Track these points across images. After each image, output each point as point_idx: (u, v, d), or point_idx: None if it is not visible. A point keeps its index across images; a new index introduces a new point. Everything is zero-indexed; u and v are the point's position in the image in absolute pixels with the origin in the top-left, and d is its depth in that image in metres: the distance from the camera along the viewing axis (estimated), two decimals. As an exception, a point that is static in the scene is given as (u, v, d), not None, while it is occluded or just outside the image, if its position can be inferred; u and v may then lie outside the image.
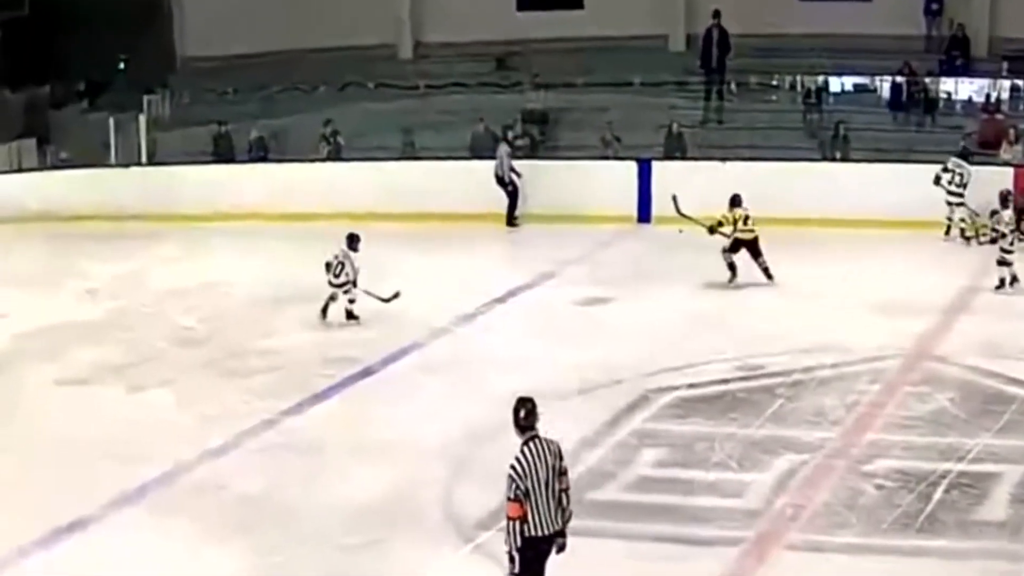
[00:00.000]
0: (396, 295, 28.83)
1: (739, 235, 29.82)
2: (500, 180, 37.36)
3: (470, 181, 36.30)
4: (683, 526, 19.22)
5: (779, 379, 24.55)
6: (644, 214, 34.38)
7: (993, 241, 30.23)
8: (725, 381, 24.65)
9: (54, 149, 43.46)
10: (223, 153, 40.58)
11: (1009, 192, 30.56)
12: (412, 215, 35.55)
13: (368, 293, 29.24)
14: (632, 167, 34.93)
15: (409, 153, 38.38)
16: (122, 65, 45.60)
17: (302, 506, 20.66)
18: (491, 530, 18.96)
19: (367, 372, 26.50)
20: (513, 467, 15.71)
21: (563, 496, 15.94)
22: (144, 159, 40.53)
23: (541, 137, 38.68)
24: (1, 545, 19.57)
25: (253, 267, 33.13)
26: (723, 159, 35.24)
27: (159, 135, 40.99)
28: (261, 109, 41.67)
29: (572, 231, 33.47)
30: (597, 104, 38.19)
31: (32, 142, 43.85)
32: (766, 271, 30.32)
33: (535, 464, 15.81)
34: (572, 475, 18.29)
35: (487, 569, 18.27)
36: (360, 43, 42.00)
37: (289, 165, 39.16)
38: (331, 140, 39.38)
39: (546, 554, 16.23)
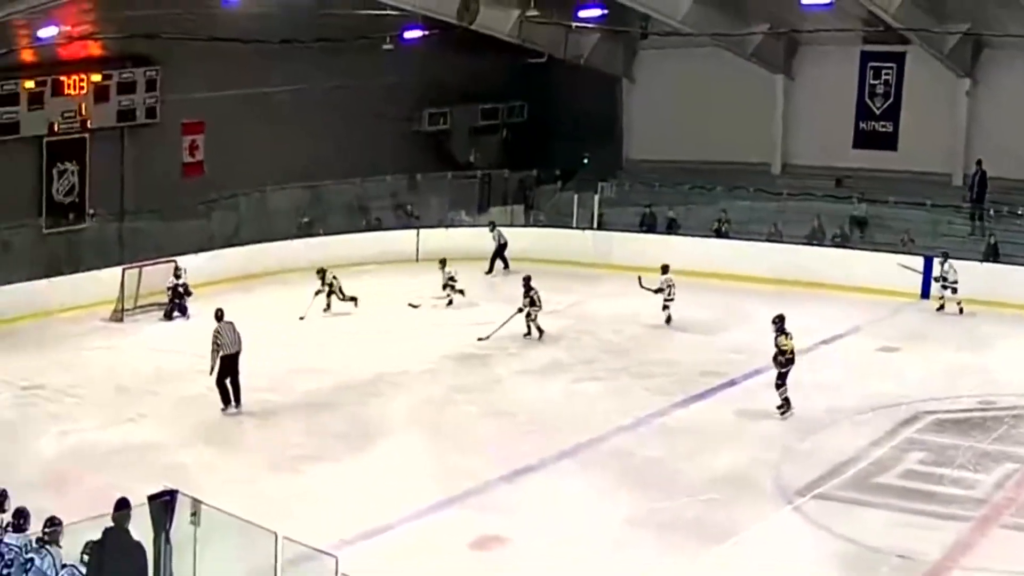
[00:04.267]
0: None
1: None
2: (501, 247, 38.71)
3: (812, 259, 35.91)
4: (932, 505, 19.67)
5: (1006, 412, 24.40)
6: (925, 293, 33.58)
7: None
8: (970, 410, 24.59)
9: (535, 213, 43.77)
10: (648, 226, 40.45)
11: None
12: (770, 279, 35.25)
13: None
14: (920, 260, 34.36)
15: (774, 238, 38.20)
16: (586, 160, 45.93)
17: (682, 470, 21.28)
18: (805, 497, 19.85)
19: (731, 383, 26.78)
20: (217, 331, 25.09)
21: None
22: (595, 225, 40.41)
23: (860, 236, 38.18)
24: (479, 474, 21.06)
25: (658, 303, 32.69)
26: (982, 260, 34.67)
27: (606, 210, 40.94)
28: (676, 198, 41.46)
29: (874, 300, 32.92)
30: (901, 216, 37.46)
31: (520, 207, 44.35)
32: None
33: (224, 328, 25.11)
34: (863, 464, 20.85)
35: (800, 524, 19.02)
36: (746, 160, 41.71)
37: (689, 238, 38.78)
38: (722, 224, 39.47)
39: (236, 363, 25.08)
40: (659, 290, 32.13)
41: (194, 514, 12.42)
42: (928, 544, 18.11)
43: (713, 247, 37.96)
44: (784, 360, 24.43)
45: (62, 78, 36.54)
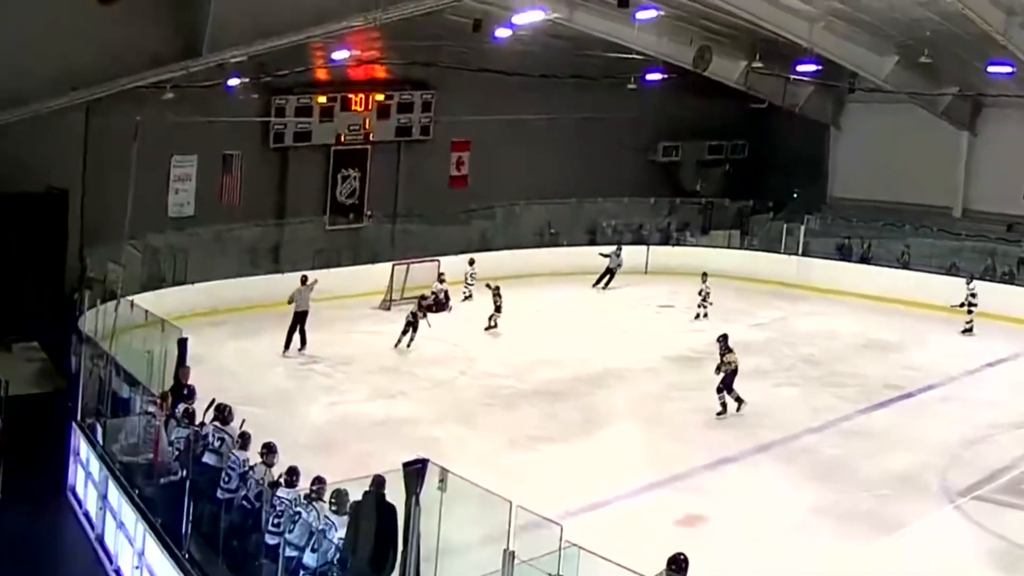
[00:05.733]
0: None
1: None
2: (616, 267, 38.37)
3: (983, 292, 33.87)
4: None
5: None
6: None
7: None
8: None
9: (749, 239, 43.91)
10: (844, 255, 40.26)
11: None
12: (947, 307, 33.91)
13: None
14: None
15: (952, 272, 37.62)
16: (795, 195, 45.88)
17: (858, 468, 21.52)
18: (966, 497, 19.85)
19: (908, 395, 26.64)
20: (296, 291, 27.38)
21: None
22: (800, 252, 40.11)
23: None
24: (686, 461, 21.57)
25: (849, 322, 33.16)
26: None
27: (810, 239, 40.44)
28: (869, 232, 41.02)
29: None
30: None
31: (737, 233, 44.53)
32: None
33: (303, 290, 26.87)
34: (1017, 472, 20.72)
35: (959, 521, 19.10)
36: (931, 203, 41.20)
37: (878, 268, 38.36)
38: (904, 256, 39.14)
39: (304, 319, 27.60)
40: (700, 292, 33.62)
41: (442, 481, 12.42)
42: (1070, 546, 18.11)
43: (899, 277, 37.66)
44: (729, 371, 24.68)
45: (350, 96, 38.36)
